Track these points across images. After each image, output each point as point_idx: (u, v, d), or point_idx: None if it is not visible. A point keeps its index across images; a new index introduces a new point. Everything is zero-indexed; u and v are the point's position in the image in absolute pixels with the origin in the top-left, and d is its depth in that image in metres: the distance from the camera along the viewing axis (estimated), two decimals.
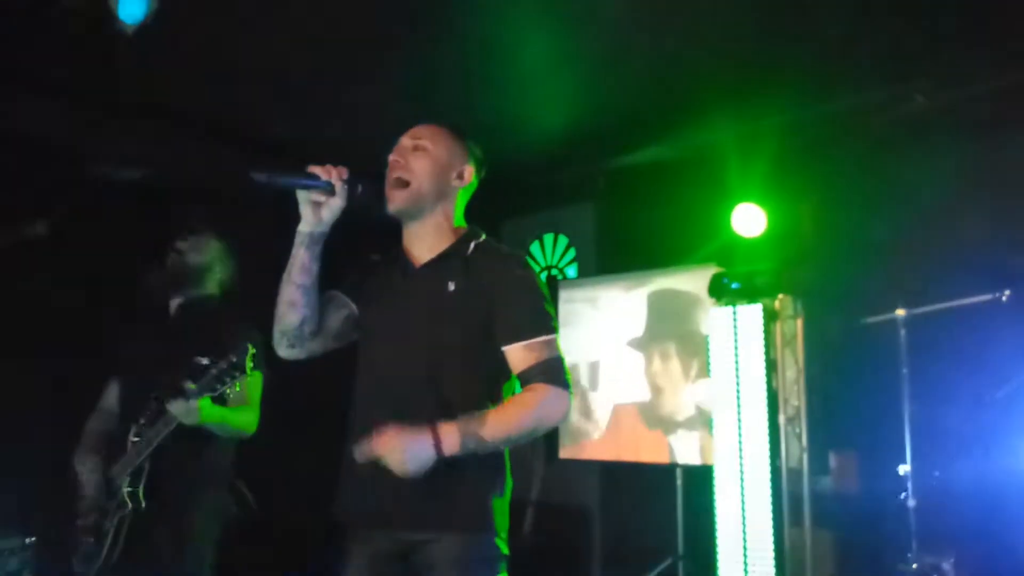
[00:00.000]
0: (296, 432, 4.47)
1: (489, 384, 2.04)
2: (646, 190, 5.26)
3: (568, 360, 2.04)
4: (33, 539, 3.63)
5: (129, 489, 2.79)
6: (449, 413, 1.90)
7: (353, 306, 2.15)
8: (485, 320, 2.00)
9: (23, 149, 4.23)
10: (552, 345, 1.99)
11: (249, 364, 2.58)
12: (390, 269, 2.16)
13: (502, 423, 1.90)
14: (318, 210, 2.02)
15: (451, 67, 4.08)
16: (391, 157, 2.10)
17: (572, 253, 6.14)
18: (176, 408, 2.67)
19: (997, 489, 3.72)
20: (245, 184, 1.92)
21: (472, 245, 2.10)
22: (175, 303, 3.08)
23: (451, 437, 1.84)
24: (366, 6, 3.55)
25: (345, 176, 2.00)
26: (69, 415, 3.20)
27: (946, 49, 3.83)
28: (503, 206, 5.79)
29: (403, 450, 1.81)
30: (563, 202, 6.02)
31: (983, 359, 3.78)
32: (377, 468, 1.86)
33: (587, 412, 5.37)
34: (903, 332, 3.78)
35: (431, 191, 2.08)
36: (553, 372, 1.96)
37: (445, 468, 1.86)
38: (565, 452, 5.44)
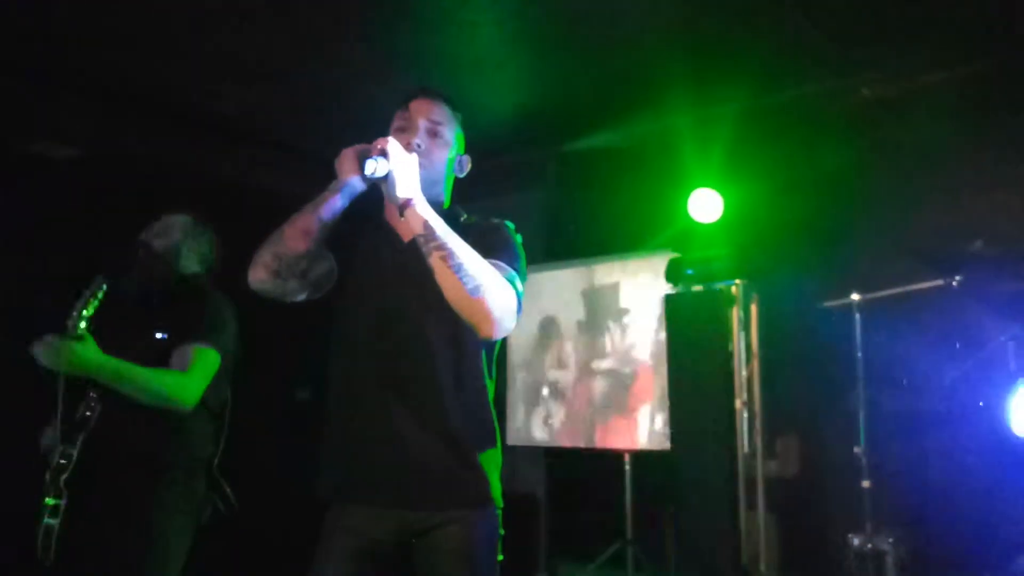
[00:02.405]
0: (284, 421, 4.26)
1: (487, 357, 2.02)
2: (597, 176, 5.23)
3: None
4: None
5: (51, 476, 2.53)
6: (443, 384, 1.89)
7: (334, 261, 2.00)
8: None
9: None
10: (512, 274, 1.90)
11: (99, 294, 2.50)
12: (374, 238, 2.06)
13: (463, 247, 1.79)
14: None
15: (400, 48, 3.99)
16: (412, 140, 1.98)
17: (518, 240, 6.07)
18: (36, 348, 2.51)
19: (942, 471, 3.84)
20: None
21: (459, 220, 2.07)
22: (159, 290, 2.88)
23: (423, 207, 1.80)
24: None
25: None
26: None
27: (890, 43, 3.92)
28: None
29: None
30: (510, 189, 5.93)
31: (935, 343, 3.89)
32: (382, 442, 1.84)
33: (538, 398, 5.33)
34: (858, 316, 3.86)
35: (441, 181, 2.07)
36: (511, 279, 1.87)
37: (451, 442, 1.86)
38: (513, 439, 5.40)
